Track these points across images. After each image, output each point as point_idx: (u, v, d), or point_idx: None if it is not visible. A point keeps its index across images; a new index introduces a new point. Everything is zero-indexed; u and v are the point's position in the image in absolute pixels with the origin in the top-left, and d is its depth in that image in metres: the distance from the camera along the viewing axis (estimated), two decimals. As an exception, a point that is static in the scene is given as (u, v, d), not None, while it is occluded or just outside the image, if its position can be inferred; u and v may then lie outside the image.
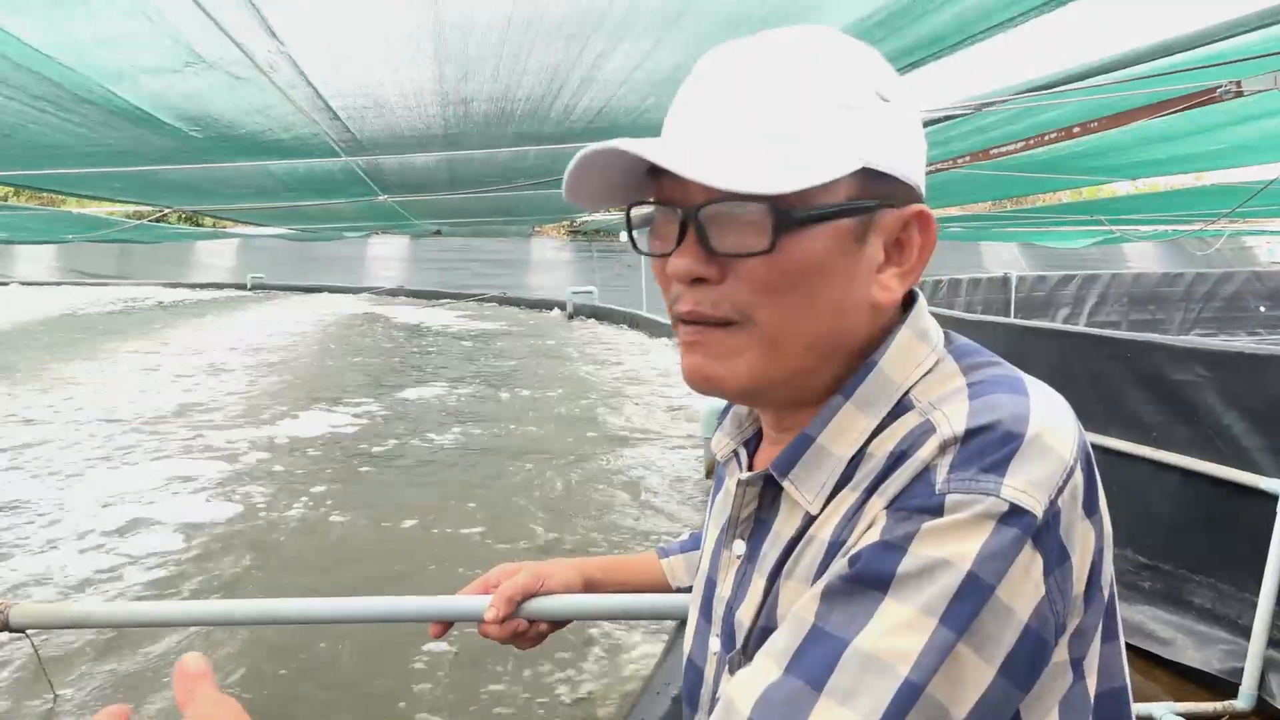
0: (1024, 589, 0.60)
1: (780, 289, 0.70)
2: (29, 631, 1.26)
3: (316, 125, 4.06)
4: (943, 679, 0.58)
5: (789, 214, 0.69)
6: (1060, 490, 0.63)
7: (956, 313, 5.21)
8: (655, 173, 0.73)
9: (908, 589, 0.60)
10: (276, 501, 5.59)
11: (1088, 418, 3.42)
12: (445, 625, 1.18)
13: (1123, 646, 0.72)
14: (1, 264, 29.08)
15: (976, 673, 0.59)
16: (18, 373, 10.56)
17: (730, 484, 0.86)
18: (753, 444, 0.90)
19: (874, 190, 0.72)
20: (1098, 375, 3.61)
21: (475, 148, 5.02)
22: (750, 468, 0.88)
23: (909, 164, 0.74)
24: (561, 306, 18.51)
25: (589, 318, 17.37)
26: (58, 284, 27.39)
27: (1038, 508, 0.61)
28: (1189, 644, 3.15)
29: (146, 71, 3.05)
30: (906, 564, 0.61)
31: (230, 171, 5.66)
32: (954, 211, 12.61)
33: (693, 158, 0.68)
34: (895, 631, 0.59)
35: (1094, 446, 0.69)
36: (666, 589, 1.23)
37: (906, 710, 0.58)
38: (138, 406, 8.70)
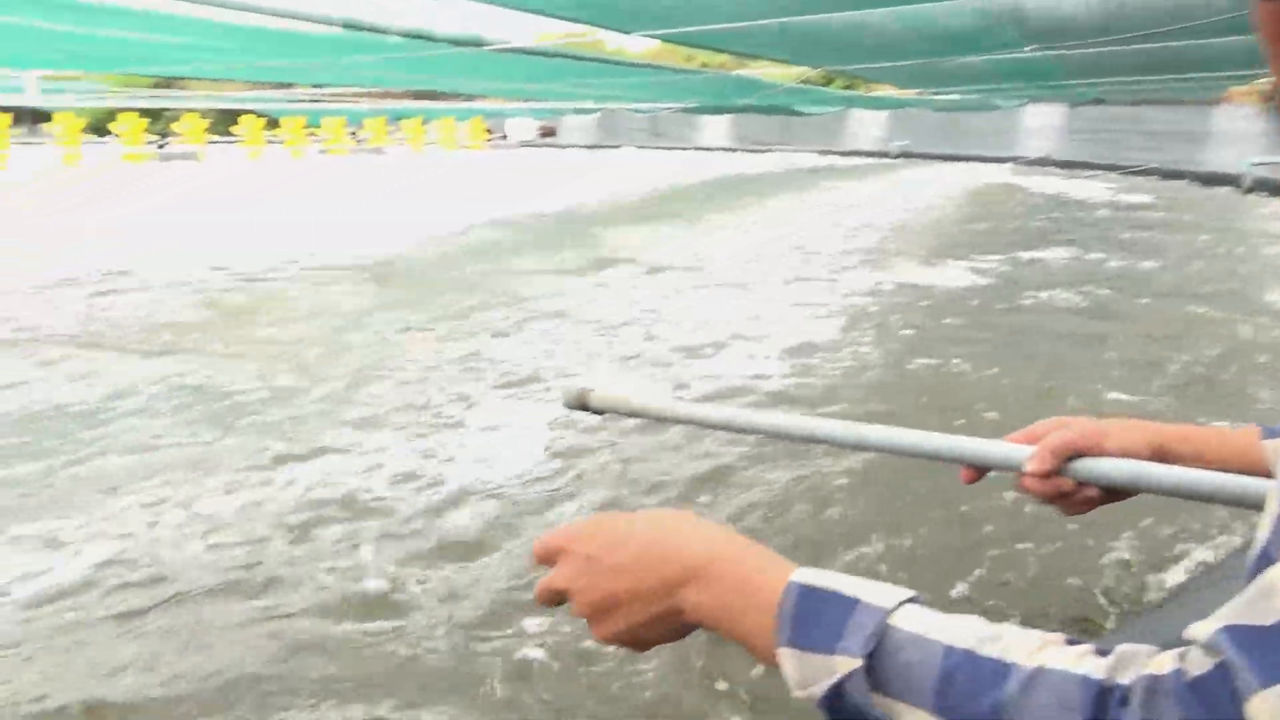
0: None
1: None
2: (604, 414, 1.40)
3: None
4: None
5: None
6: None
7: None
8: None
9: None
10: (879, 337, 5.99)
11: None
12: (978, 472, 1.05)
13: None
14: (689, 132, 34.15)
15: None
16: (680, 219, 13.09)
17: None
18: None
19: None
20: None
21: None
22: None
23: None
24: (1236, 182, 15.84)
25: (1273, 194, 14.61)
26: (730, 150, 31.50)
27: None
28: None
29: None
30: None
31: (869, 26, 5.68)
32: None
33: None
34: None
35: None
36: (1262, 474, 0.92)
37: None
38: (796, 239, 10.51)
